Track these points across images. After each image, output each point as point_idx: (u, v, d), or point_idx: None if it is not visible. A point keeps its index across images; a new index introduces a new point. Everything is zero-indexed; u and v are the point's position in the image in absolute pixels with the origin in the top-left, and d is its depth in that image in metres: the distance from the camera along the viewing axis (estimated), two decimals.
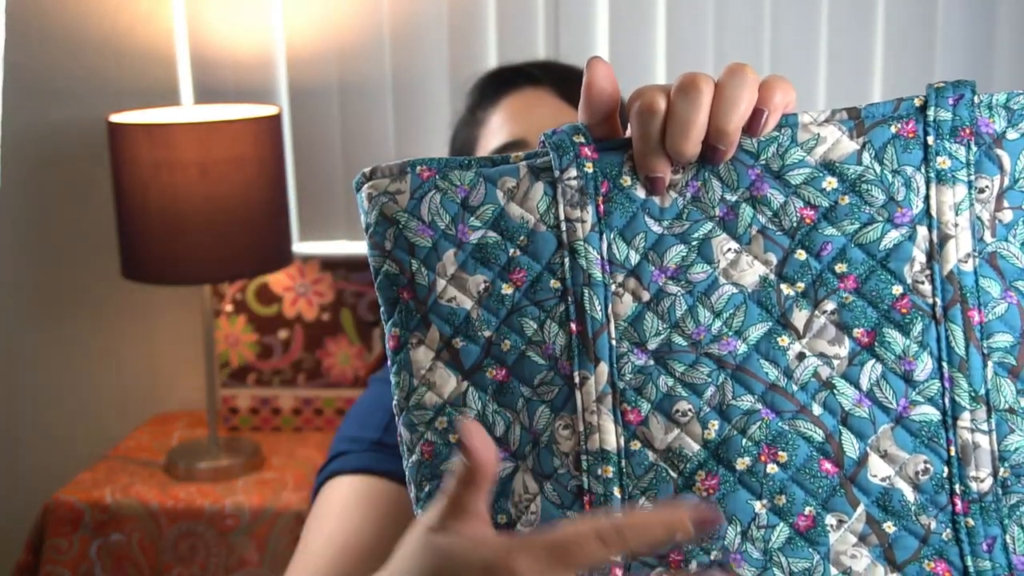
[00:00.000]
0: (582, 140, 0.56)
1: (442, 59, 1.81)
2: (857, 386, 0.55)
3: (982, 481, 0.54)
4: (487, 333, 0.57)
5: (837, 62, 1.76)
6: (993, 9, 1.73)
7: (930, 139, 0.55)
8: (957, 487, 0.54)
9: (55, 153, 1.87)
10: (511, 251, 0.57)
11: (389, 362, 0.59)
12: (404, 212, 0.58)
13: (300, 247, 1.89)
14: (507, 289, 0.57)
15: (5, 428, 1.96)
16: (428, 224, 0.57)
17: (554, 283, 0.56)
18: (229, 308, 1.83)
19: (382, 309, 0.59)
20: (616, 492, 0.55)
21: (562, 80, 1.09)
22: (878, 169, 0.55)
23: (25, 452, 1.97)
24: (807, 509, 0.54)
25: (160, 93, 1.84)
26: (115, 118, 1.61)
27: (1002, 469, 0.54)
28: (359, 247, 1.89)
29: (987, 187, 0.55)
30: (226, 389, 1.83)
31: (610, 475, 0.55)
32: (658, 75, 1.78)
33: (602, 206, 0.56)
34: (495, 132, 1.07)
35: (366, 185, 0.59)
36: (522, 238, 0.57)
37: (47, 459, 1.95)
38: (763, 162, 0.56)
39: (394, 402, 0.59)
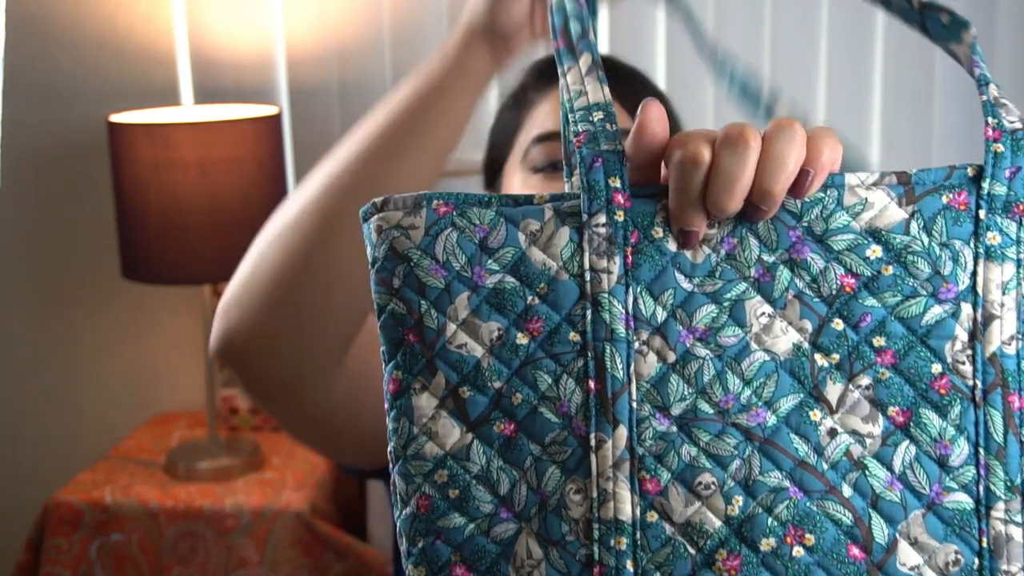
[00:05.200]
0: (617, 185, 0.53)
1: None
2: (889, 468, 0.52)
3: (1013, 575, 0.52)
4: (497, 384, 0.53)
5: (837, 62, 1.76)
6: (993, 9, 1.73)
7: (982, 213, 0.52)
8: None
9: (55, 153, 1.87)
10: (529, 299, 0.53)
11: (387, 407, 0.55)
12: (416, 249, 0.54)
13: None
14: (522, 339, 0.53)
15: (5, 428, 1.96)
16: (442, 264, 0.54)
17: (573, 336, 0.53)
18: None
19: (383, 350, 0.56)
20: (629, 566, 0.52)
21: (617, 79, 1.09)
22: (926, 241, 0.52)
23: (25, 452, 1.97)
24: None
25: (160, 93, 1.84)
26: (115, 118, 1.61)
27: None
28: None
29: None
30: (226, 389, 1.83)
31: (623, 547, 0.52)
32: (658, 76, 1.78)
33: (630, 257, 0.53)
34: (542, 119, 1.07)
35: (376, 216, 0.55)
36: (542, 285, 0.53)
37: (47, 459, 1.95)
38: (805, 224, 0.53)
39: (390, 449, 0.56)
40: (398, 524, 0.56)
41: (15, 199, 1.88)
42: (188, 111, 1.78)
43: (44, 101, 1.85)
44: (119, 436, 1.91)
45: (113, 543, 1.61)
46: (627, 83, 1.10)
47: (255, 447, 1.72)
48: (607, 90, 0.54)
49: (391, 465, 0.56)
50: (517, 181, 1.05)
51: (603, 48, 1.79)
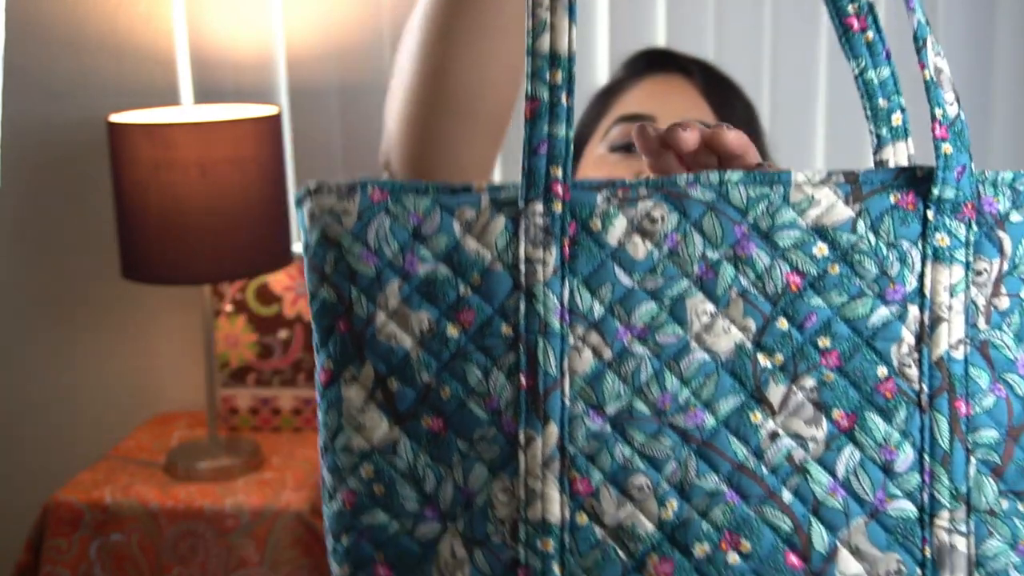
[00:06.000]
0: (559, 175, 0.51)
1: None
2: (832, 473, 0.51)
3: None
4: (426, 377, 0.52)
5: (837, 62, 1.76)
6: (993, 9, 1.73)
7: (930, 213, 0.51)
8: None
9: (55, 153, 1.87)
10: (462, 289, 0.52)
11: (319, 398, 0.54)
12: (348, 235, 0.53)
13: (300, 247, 1.89)
14: (453, 331, 0.52)
15: (5, 428, 1.96)
16: (373, 251, 0.52)
17: (506, 329, 0.51)
18: (229, 308, 1.83)
19: (316, 339, 0.54)
20: (555, 569, 0.51)
21: (710, 81, 1.11)
22: (873, 240, 0.51)
23: (25, 452, 1.97)
24: None
25: (160, 93, 1.84)
26: (115, 118, 1.61)
27: (977, 575, 0.51)
28: None
29: (985, 270, 0.52)
30: (226, 389, 1.83)
31: (550, 550, 0.51)
32: None
33: (568, 249, 0.51)
34: (630, 103, 1.08)
35: (309, 202, 0.54)
36: (475, 276, 0.52)
37: (47, 459, 1.95)
38: (751, 220, 0.51)
39: (320, 443, 0.55)
40: (325, 521, 0.55)
41: (15, 199, 1.88)
42: (188, 111, 1.77)
43: (44, 101, 1.85)
44: (119, 436, 1.91)
45: (113, 543, 1.61)
46: (720, 88, 1.11)
47: (255, 447, 1.72)
48: (574, 31, 0.51)
49: (320, 458, 0.55)
50: (594, 158, 1.07)
51: (603, 43, 1.79)
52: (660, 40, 1.78)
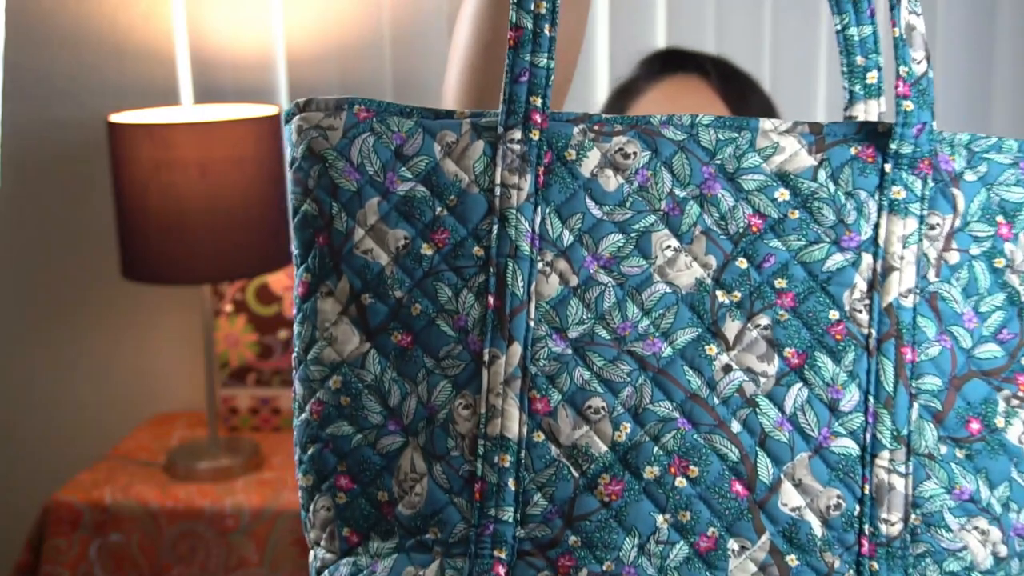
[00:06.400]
0: (538, 104, 0.53)
1: (442, 59, 1.81)
2: (780, 408, 0.53)
3: (892, 525, 0.52)
4: (398, 294, 0.54)
5: (837, 63, 1.76)
6: (993, 9, 1.73)
7: (887, 166, 0.54)
8: (867, 527, 0.52)
9: (55, 153, 1.87)
10: (438, 209, 0.54)
11: (295, 310, 0.56)
12: (333, 150, 0.55)
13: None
14: (427, 249, 0.54)
15: (5, 428, 1.96)
16: (356, 167, 0.54)
17: (477, 251, 0.53)
18: (229, 308, 1.83)
19: (297, 252, 0.56)
20: (511, 484, 0.52)
21: (727, 79, 1.11)
22: (832, 188, 0.54)
23: (25, 452, 1.97)
24: (710, 530, 0.52)
25: (160, 93, 1.84)
26: (115, 118, 1.61)
27: (914, 516, 0.53)
28: None
29: (938, 224, 0.54)
30: (226, 389, 1.83)
31: (507, 465, 0.52)
32: None
33: (542, 177, 0.53)
34: (646, 105, 1.08)
35: (298, 117, 0.56)
36: (452, 197, 0.54)
37: (47, 459, 1.95)
38: (718, 161, 0.54)
39: (294, 354, 0.56)
40: (295, 432, 0.56)
41: (15, 199, 1.88)
42: (188, 111, 1.78)
43: (44, 101, 1.85)
44: (119, 436, 1.91)
45: (113, 543, 1.61)
46: (737, 85, 1.11)
47: (255, 447, 1.72)
48: None
49: (294, 371, 0.57)
50: None
51: (602, 43, 1.79)
52: (660, 39, 1.78)
